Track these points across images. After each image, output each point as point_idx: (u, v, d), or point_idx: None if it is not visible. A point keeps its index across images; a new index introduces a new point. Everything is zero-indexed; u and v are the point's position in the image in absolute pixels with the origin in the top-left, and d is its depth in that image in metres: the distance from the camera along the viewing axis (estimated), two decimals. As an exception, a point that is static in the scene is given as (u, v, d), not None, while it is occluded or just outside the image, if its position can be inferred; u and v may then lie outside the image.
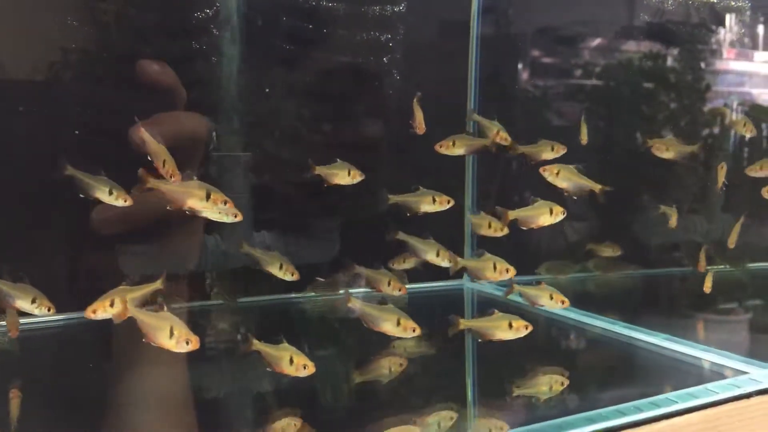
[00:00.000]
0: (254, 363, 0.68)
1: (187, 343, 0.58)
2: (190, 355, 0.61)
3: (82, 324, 0.85)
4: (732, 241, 1.00)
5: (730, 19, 1.30)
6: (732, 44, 1.29)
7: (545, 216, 0.80)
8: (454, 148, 0.81)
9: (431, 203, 0.80)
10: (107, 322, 0.60)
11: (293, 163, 1.00)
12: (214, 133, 0.80)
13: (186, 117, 0.72)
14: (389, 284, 0.79)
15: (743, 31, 1.29)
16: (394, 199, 0.80)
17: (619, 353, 0.98)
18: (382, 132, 1.08)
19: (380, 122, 1.09)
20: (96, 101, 0.81)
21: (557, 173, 0.80)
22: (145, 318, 0.58)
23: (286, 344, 0.65)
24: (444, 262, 0.80)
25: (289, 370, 0.64)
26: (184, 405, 0.75)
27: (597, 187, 0.80)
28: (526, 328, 0.74)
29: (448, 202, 0.80)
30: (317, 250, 0.99)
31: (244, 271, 0.94)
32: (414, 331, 0.69)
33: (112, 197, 0.62)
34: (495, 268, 0.78)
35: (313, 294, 0.97)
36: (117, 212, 0.63)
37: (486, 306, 0.77)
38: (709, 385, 0.77)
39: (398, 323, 0.69)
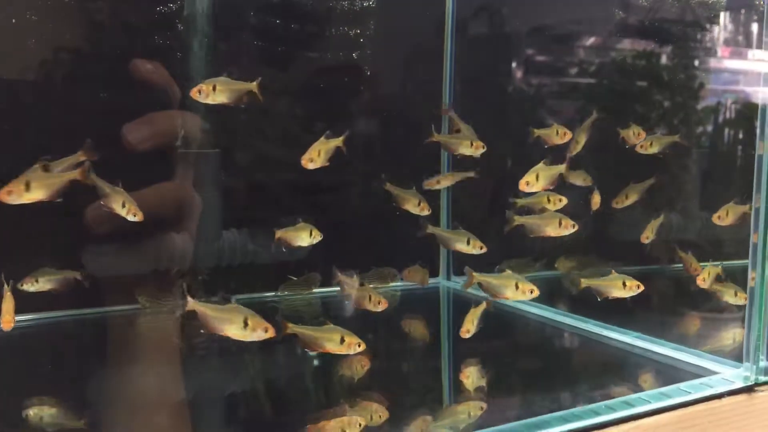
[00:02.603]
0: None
1: (265, 331, 0.62)
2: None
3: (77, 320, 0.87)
4: (645, 238, 1.01)
5: (724, 17, 1.29)
6: (726, 42, 1.29)
7: (553, 226, 0.82)
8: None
9: (557, 227, 0.82)
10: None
11: (264, 159, 0.99)
12: (182, 131, 0.78)
13: (179, 116, 0.72)
14: (370, 299, 0.81)
15: (738, 28, 1.29)
16: (520, 220, 0.82)
17: (590, 351, 0.98)
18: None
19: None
20: (88, 101, 0.82)
21: (537, 177, 0.80)
22: (212, 311, 0.61)
23: (331, 325, 0.68)
24: (474, 250, 0.82)
25: (339, 350, 0.67)
26: (178, 404, 0.75)
27: (564, 167, 0.82)
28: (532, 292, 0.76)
29: (573, 227, 0.82)
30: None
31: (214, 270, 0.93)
32: (359, 346, 0.67)
33: (124, 209, 0.63)
34: (517, 287, 0.77)
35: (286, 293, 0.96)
36: (104, 211, 0.63)
37: (462, 305, 0.76)
38: (681, 385, 0.77)
39: (342, 341, 0.67)
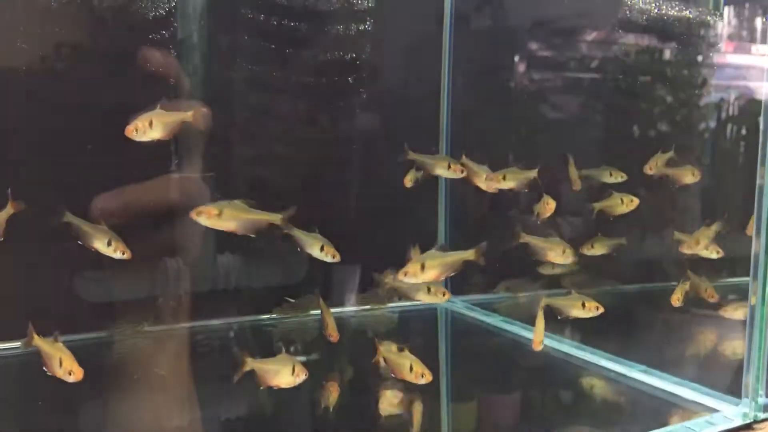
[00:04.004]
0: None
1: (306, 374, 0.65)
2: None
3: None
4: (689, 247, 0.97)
5: (728, 11, 1.26)
6: (730, 37, 1.26)
7: (556, 252, 0.83)
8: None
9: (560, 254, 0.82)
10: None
11: (260, 182, 0.97)
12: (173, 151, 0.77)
13: (187, 106, 0.70)
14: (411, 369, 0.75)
15: (743, 23, 1.26)
16: (526, 238, 0.82)
17: (586, 382, 0.96)
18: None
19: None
20: (96, 92, 0.79)
21: (503, 178, 0.82)
22: (268, 366, 0.64)
23: (407, 353, 0.71)
24: (327, 257, 0.76)
25: (409, 377, 0.70)
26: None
27: (533, 174, 0.82)
28: None
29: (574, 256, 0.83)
30: (285, 271, 0.97)
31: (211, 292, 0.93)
32: (305, 375, 0.67)
33: (110, 248, 0.62)
34: (584, 305, 0.78)
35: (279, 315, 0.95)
36: (117, 203, 0.64)
37: (461, 326, 0.75)
38: (688, 423, 0.76)
39: (293, 371, 0.66)
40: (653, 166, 0.94)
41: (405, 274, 0.67)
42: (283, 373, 0.65)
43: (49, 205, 0.66)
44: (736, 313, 0.94)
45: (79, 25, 0.83)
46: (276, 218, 0.66)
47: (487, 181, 0.82)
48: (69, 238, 0.64)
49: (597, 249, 0.90)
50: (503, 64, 1.27)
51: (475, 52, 1.26)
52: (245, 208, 0.64)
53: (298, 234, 0.73)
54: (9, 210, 0.62)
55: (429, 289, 0.77)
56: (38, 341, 0.62)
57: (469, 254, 0.70)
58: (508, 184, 0.81)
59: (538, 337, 0.79)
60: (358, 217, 1.11)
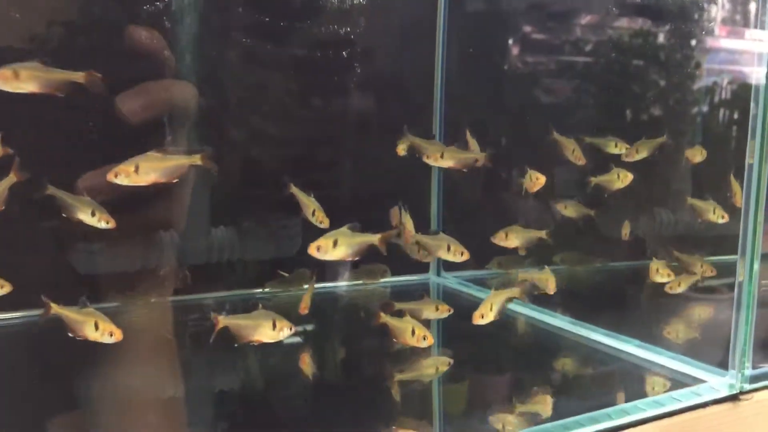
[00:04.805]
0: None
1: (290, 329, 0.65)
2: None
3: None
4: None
5: None
6: (724, 21, 1.27)
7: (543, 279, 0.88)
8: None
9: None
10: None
11: (253, 155, 0.98)
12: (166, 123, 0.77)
13: (174, 85, 0.71)
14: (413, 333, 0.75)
15: (736, 8, 1.27)
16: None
17: (577, 356, 0.98)
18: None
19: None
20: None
21: (441, 155, 0.78)
22: (244, 321, 0.63)
23: (408, 317, 0.72)
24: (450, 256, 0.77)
25: (411, 342, 0.71)
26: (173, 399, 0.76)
27: (481, 156, 0.79)
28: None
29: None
30: (279, 245, 0.97)
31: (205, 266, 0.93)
32: (291, 329, 0.66)
33: (94, 219, 0.62)
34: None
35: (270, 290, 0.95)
36: (102, 180, 0.62)
37: (453, 301, 0.75)
38: (674, 394, 0.77)
39: (274, 326, 0.65)
40: (634, 152, 0.95)
41: (317, 249, 0.65)
42: (264, 328, 0.64)
43: (35, 178, 0.66)
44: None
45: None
46: (195, 159, 0.64)
47: (425, 158, 0.80)
48: (54, 210, 0.64)
49: (511, 240, 0.88)
50: (498, 47, 1.27)
51: (469, 35, 1.26)
52: (161, 157, 0.62)
53: (297, 192, 0.76)
54: (12, 178, 0.62)
55: (449, 248, 0.76)
56: (62, 310, 0.62)
57: (374, 238, 0.68)
58: (447, 163, 0.78)
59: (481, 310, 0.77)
60: (350, 197, 1.11)
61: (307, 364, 0.87)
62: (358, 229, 0.68)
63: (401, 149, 0.76)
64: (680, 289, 0.95)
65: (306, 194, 0.76)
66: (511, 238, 0.88)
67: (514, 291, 0.79)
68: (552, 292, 0.91)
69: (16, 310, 0.88)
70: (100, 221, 0.62)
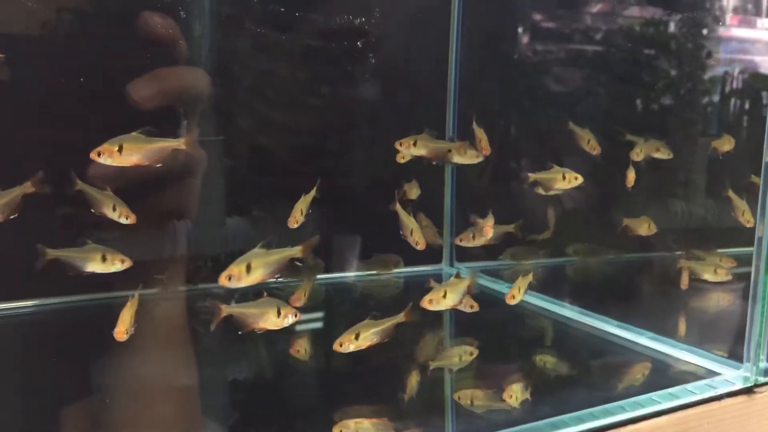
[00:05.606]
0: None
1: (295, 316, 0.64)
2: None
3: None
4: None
5: None
6: (735, 10, 1.26)
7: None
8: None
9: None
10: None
11: (268, 146, 0.97)
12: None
13: (186, 71, 0.71)
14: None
15: None
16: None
17: (590, 347, 0.98)
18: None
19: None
20: (94, 56, 0.77)
21: (414, 143, 0.77)
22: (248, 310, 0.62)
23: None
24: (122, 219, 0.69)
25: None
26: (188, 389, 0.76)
27: (455, 146, 0.80)
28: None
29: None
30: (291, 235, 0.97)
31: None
32: (294, 316, 0.64)
33: (115, 213, 0.63)
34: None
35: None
36: (113, 169, 0.61)
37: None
38: (688, 386, 0.77)
39: (279, 313, 0.63)
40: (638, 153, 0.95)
41: (229, 278, 0.60)
42: (269, 315, 0.62)
43: (58, 170, 0.66)
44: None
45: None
46: (180, 143, 0.62)
47: (398, 146, 0.78)
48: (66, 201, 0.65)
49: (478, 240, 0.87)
50: (511, 35, 1.26)
51: (483, 23, 1.25)
52: (146, 138, 0.60)
53: (400, 212, 0.78)
54: (27, 186, 0.61)
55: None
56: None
57: (295, 251, 0.63)
58: (419, 152, 0.77)
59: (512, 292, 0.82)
60: (362, 186, 1.11)
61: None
62: (272, 245, 0.63)
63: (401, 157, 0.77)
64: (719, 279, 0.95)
65: (407, 214, 0.78)
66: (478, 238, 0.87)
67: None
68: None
69: (32, 298, 0.88)
70: (121, 216, 0.63)
